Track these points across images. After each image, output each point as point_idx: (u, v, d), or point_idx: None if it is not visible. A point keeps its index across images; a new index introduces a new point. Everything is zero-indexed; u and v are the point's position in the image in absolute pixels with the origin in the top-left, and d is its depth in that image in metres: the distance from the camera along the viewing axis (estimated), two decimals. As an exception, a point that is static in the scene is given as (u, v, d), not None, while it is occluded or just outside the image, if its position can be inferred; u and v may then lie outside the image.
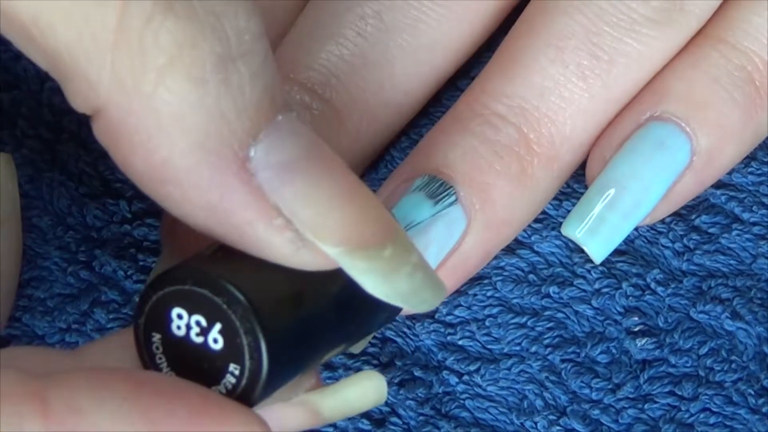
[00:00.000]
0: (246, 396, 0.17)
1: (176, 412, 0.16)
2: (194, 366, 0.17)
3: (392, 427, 0.24)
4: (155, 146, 0.16)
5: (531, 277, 0.25)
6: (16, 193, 0.24)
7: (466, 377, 0.25)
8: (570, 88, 0.23)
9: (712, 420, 0.24)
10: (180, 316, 0.17)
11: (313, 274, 0.18)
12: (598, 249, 0.23)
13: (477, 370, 0.25)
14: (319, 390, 0.19)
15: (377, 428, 0.24)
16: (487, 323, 0.25)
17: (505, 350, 0.25)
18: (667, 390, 0.24)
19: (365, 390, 0.20)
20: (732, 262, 0.25)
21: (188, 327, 0.17)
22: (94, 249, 0.26)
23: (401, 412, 0.25)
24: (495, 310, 0.25)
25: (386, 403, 0.24)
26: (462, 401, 0.25)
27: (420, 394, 0.25)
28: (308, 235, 0.17)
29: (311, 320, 0.18)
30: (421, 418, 0.24)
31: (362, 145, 0.24)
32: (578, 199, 0.25)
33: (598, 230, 0.23)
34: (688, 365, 0.24)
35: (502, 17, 0.25)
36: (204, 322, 0.17)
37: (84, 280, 0.26)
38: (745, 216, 0.25)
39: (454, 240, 0.23)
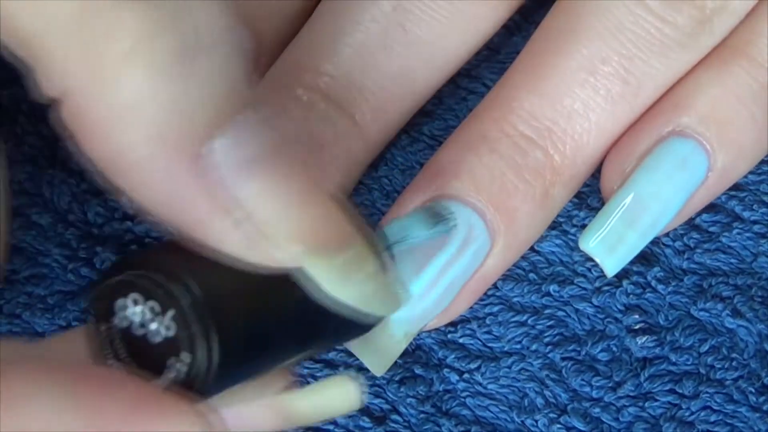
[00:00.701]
0: (195, 385, 0.17)
1: (111, 407, 0.16)
2: (146, 354, 0.17)
3: (393, 425, 0.24)
4: (112, 134, 0.16)
5: (531, 275, 0.25)
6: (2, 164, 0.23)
7: (466, 375, 0.25)
8: (598, 113, 0.23)
9: (712, 418, 0.24)
10: (135, 302, 0.17)
11: (276, 275, 0.18)
12: (614, 265, 0.23)
13: (477, 368, 0.25)
14: (291, 392, 0.20)
15: (378, 426, 0.24)
16: (487, 321, 0.25)
17: (505, 348, 0.25)
18: (667, 388, 0.24)
19: (338, 394, 0.20)
20: (732, 260, 0.25)
21: (142, 314, 0.17)
22: (95, 246, 0.26)
23: (402, 409, 0.25)
24: (495, 309, 0.25)
25: (387, 401, 0.25)
26: (462, 399, 0.25)
27: (420, 392, 0.25)
28: (263, 234, 0.17)
29: (268, 319, 0.18)
30: (421, 415, 0.25)
31: (374, 153, 0.25)
32: (578, 198, 0.25)
33: (616, 248, 0.23)
34: (689, 363, 0.24)
35: (507, 17, 0.25)
36: (157, 309, 0.17)
37: (85, 277, 0.26)
38: (746, 214, 0.25)
39: (479, 262, 0.23)
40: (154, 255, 0.18)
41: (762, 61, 0.23)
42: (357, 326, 0.19)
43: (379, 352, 0.23)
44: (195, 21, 0.16)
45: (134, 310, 0.17)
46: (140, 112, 0.16)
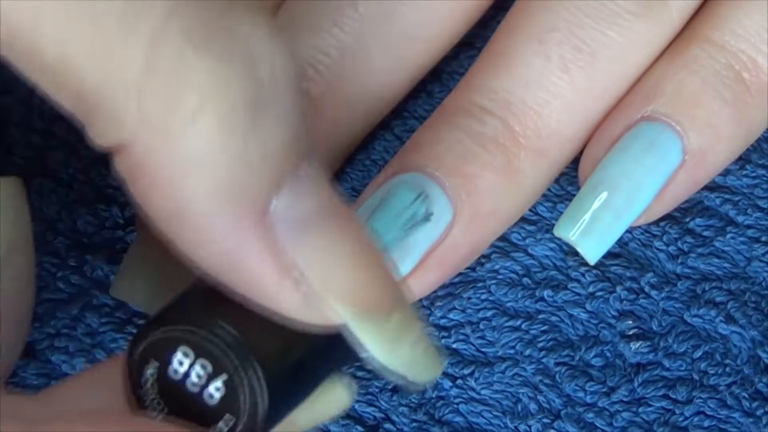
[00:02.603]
0: None
1: None
2: (186, 408, 0.17)
3: (386, 432, 0.25)
4: (177, 187, 0.16)
5: (525, 280, 0.25)
6: (27, 219, 0.23)
7: (459, 381, 0.25)
8: (554, 81, 0.24)
9: (706, 423, 0.25)
10: (181, 361, 0.17)
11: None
12: (592, 250, 0.24)
13: (471, 374, 0.25)
14: None
15: (371, 433, 0.25)
16: (481, 326, 0.25)
17: (499, 353, 0.25)
18: (661, 393, 0.25)
19: (329, 398, 0.20)
20: (726, 265, 0.25)
21: (187, 372, 0.17)
22: (85, 254, 0.26)
23: (395, 418, 0.25)
24: (489, 314, 0.25)
25: (380, 409, 0.25)
26: (455, 405, 0.25)
27: (413, 400, 0.25)
28: (321, 293, 0.17)
29: (307, 365, 0.18)
30: (414, 424, 0.25)
31: (340, 135, 0.25)
32: (570, 201, 0.26)
33: (591, 231, 0.24)
34: (682, 369, 0.25)
35: (482, 10, 0.25)
36: (207, 370, 0.17)
37: (74, 285, 0.26)
38: (740, 219, 0.26)
39: (440, 230, 0.24)
40: (209, 312, 0.17)
41: (723, 43, 0.24)
42: None
43: None
44: (263, 72, 0.16)
45: (178, 367, 0.17)
46: (208, 166, 0.16)
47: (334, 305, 0.17)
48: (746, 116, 0.24)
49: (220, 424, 0.17)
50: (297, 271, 0.17)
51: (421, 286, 0.24)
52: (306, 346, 0.18)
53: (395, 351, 0.18)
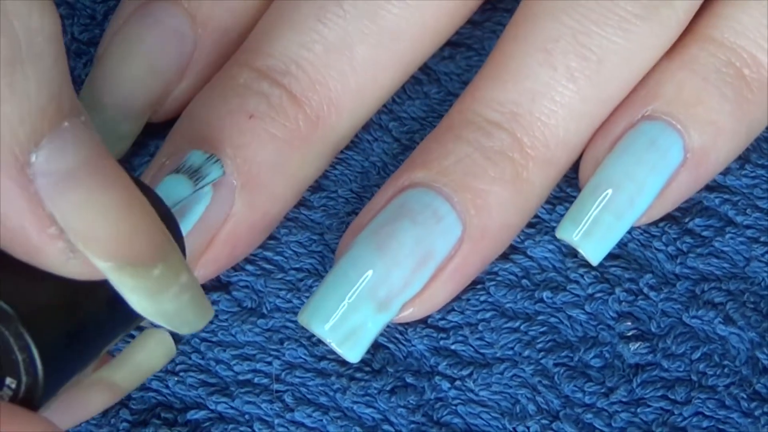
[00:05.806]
0: (24, 404, 0.18)
1: None
2: None
3: (385, 434, 0.25)
4: None
5: (524, 281, 0.26)
6: None
7: (458, 382, 0.25)
8: (561, 91, 0.24)
9: (704, 424, 0.25)
10: None
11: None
12: (594, 251, 0.24)
13: (470, 375, 0.25)
14: (107, 365, 0.20)
15: (370, 434, 0.25)
16: (480, 328, 0.26)
17: (497, 355, 0.26)
18: (659, 394, 0.25)
19: (152, 349, 0.20)
20: (725, 265, 0.26)
21: None
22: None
23: (393, 419, 0.25)
24: (488, 315, 0.26)
25: (378, 410, 0.25)
26: (454, 407, 0.25)
27: (412, 402, 0.25)
28: (79, 247, 0.17)
29: (85, 325, 0.19)
30: (412, 425, 0.25)
31: (325, 132, 0.25)
32: (569, 203, 0.26)
33: (593, 232, 0.24)
34: (681, 369, 0.25)
35: (471, 11, 0.26)
36: None
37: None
38: (739, 219, 0.26)
39: (450, 246, 0.24)
40: None
41: (723, 40, 0.24)
42: None
43: (350, 337, 0.24)
44: (21, 30, 0.17)
45: None
46: None
47: (91, 259, 0.18)
48: (747, 113, 0.24)
49: (4, 389, 0.18)
50: (56, 224, 0.17)
51: (435, 299, 0.25)
52: (84, 304, 0.18)
53: (156, 304, 0.18)
